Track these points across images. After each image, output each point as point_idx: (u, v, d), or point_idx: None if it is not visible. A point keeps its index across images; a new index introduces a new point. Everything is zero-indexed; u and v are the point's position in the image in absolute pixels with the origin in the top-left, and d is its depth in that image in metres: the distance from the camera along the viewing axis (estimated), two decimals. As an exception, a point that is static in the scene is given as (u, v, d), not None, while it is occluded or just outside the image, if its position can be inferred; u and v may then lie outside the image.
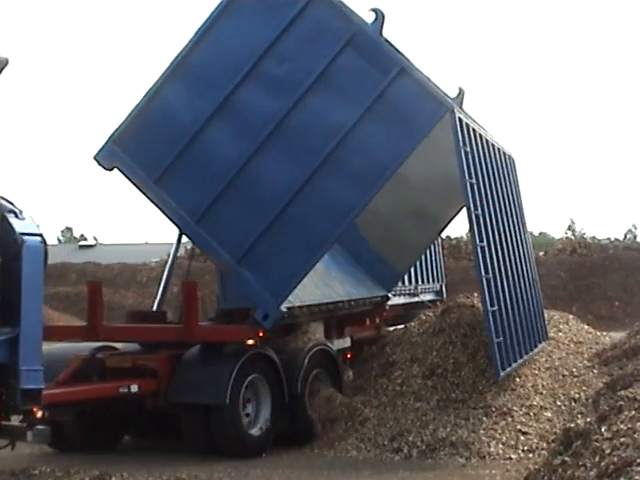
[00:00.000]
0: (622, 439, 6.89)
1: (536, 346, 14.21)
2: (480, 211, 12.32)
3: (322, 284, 13.71)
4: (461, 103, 14.25)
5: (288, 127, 11.64)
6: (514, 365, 12.65)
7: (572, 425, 8.05)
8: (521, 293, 13.99)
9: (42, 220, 10.25)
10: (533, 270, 15.54)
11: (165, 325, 12.80)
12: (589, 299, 33.33)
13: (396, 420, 11.76)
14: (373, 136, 11.44)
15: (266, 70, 11.81)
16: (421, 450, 11.16)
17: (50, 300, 28.38)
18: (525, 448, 11.12)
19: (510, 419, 11.75)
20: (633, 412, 7.51)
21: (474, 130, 12.88)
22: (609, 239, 46.09)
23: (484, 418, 11.75)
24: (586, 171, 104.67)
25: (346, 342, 14.23)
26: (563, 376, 13.44)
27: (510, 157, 15.53)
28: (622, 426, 7.21)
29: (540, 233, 64.76)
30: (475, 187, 12.21)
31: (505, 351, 12.27)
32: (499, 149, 14.59)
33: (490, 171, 13.43)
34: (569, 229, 44.85)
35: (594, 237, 44.23)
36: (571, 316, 17.09)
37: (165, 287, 13.75)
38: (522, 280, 14.32)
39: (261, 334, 11.65)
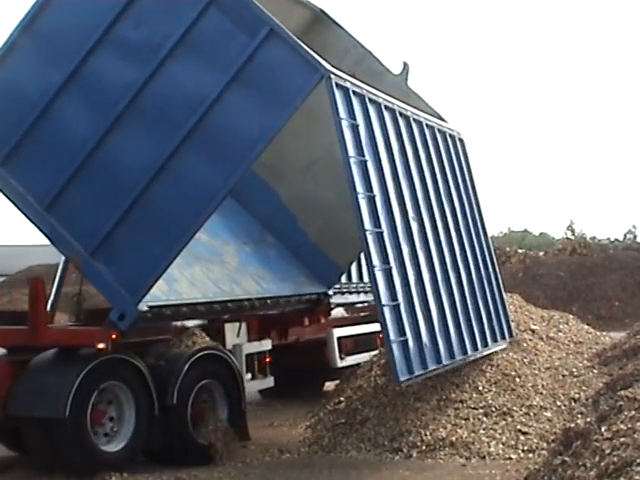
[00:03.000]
0: (622, 439, 6.90)
1: (486, 346, 13.23)
2: (379, 194, 11.11)
3: (226, 280, 12.58)
4: (406, 79, 13.91)
5: (146, 99, 10.38)
6: (432, 368, 11.52)
7: (572, 425, 8.05)
8: (448, 288, 12.57)
9: None
10: (485, 263, 14.26)
11: (6, 327, 11.13)
12: (589, 299, 33.32)
13: (396, 420, 11.76)
14: (240, 108, 10.22)
15: (121, 34, 10.53)
16: (421, 450, 11.15)
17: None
18: (525, 448, 11.10)
19: (510, 419, 11.75)
20: (633, 412, 7.51)
21: (374, 102, 11.65)
22: (609, 239, 46.23)
23: (484, 418, 11.76)
24: (586, 171, 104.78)
25: (264, 345, 13.08)
26: (563, 376, 13.43)
27: (454, 137, 14.37)
28: (622, 426, 7.21)
29: (540, 233, 64.88)
30: (366, 165, 10.89)
31: (413, 353, 11.01)
32: (429, 126, 13.30)
33: (400, 149, 12.13)
34: (569, 229, 44.83)
35: (594, 237, 44.36)
36: (571, 316, 17.08)
37: (59, 287, 12.06)
38: (454, 273, 12.91)
39: (114, 337, 10.29)
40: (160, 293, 10.86)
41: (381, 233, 10.84)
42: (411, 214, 11.95)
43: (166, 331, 11.57)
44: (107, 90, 10.47)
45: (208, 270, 12.28)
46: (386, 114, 11.89)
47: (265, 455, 11.53)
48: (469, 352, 12.62)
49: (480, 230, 14.46)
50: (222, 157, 10.20)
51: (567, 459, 7.27)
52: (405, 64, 13.89)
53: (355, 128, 10.82)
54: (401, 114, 12.42)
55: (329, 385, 14.85)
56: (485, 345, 13.22)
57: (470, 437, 11.30)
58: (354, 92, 10.98)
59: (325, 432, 12.02)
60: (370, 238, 10.58)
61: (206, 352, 11.30)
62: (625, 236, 54.87)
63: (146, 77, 10.32)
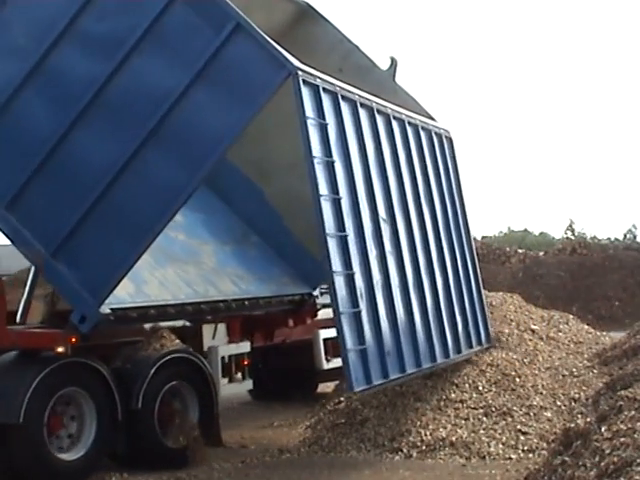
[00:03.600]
0: (622, 439, 6.90)
1: (459, 352, 12.89)
2: (347, 196, 10.72)
3: (201, 281, 12.33)
4: (394, 74, 13.68)
5: (109, 95, 10.05)
6: (393, 377, 11.09)
7: (572, 425, 8.04)
8: (420, 292, 12.19)
9: None
10: (465, 266, 13.91)
11: None
12: (589, 299, 33.28)
13: (396, 420, 11.76)
14: (205, 104, 9.92)
15: (84, 28, 10.19)
16: (421, 450, 11.16)
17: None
18: (525, 448, 11.11)
19: (510, 419, 11.75)
20: (633, 412, 7.50)
21: (348, 99, 11.26)
22: (609, 239, 46.12)
23: (484, 418, 11.76)
24: (586, 171, 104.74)
25: (242, 347, 12.70)
26: (563, 376, 13.42)
27: (441, 136, 13.98)
28: (622, 426, 7.21)
29: (540, 233, 64.80)
30: (333, 166, 10.49)
31: (373, 362, 10.57)
32: (411, 124, 12.90)
33: (376, 149, 11.78)
34: (569, 229, 44.81)
35: (594, 237, 44.24)
36: (571, 316, 17.07)
37: (31, 288, 11.55)
38: (428, 277, 12.52)
39: (74, 340, 10.02)
40: (126, 295, 10.62)
41: (345, 237, 10.47)
42: (383, 216, 11.61)
43: (137, 333, 11.27)
44: (69, 86, 10.19)
45: (182, 271, 12.03)
46: (362, 112, 11.55)
47: (265, 455, 11.53)
48: (438, 360, 12.25)
49: (462, 232, 14.14)
50: (186, 155, 9.96)
51: (567, 459, 7.27)
52: (393, 59, 13.64)
53: (323, 127, 10.45)
54: (379, 112, 12.05)
55: (329, 386, 14.80)
56: (458, 352, 12.89)
57: (470, 437, 11.31)
58: (325, 89, 10.61)
59: (325, 432, 12.03)
60: (331, 242, 10.18)
61: (174, 355, 11.05)
62: (625, 236, 54.84)
63: (110, 72, 10.04)
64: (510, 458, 10.86)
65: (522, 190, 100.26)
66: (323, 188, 10.22)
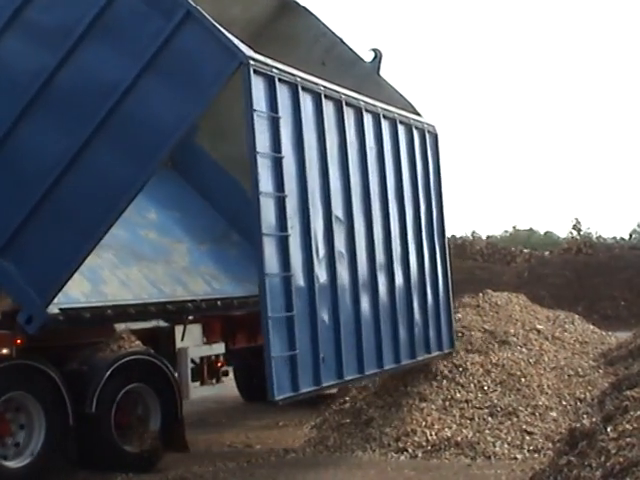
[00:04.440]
0: (628, 439, 6.90)
1: (413, 358, 12.46)
2: (296, 193, 10.28)
3: (169, 280, 11.93)
4: (378, 67, 13.40)
5: (56, 87, 9.62)
6: (326, 384, 10.65)
7: (578, 425, 8.04)
8: (373, 295, 11.70)
9: None
10: (433, 267, 13.39)
11: None
12: (595, 299, 33.25)
13: (401, 420, 11.76)
14: (155, 96, 9.49)
15: (30, 18, 9.77)
16: (426, 450, 11.16)
17: None
18: (530, 448, 11.11)
19: (515, 419, 11.74)
20: (639, 412, 7.50)
21: (311, 91, 10.78)
22: (615, 238, 46.03)
23: (489, 418, 11.76)
24: (591, 170, 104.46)
25: (215, 349, 12.28)
26: (569, 376, 13.41)
27: (423, 131, 13.42)
28: (628, 426, 7.20)
29: (546, 232, 64.69)
30: (280, 162, 9.95)
31: (303, 368, 10.06)
32: (387, 117, 12.42)
33: (340, 144, 11.28)
34: (574, 228, 44.72)
35: (600, 236, 44.18)
36: (577, 316, 17.05)
37: None
38: (385, 279, 12.04)
39: (19, 341, 9.59)
40: (80, 295, 10.30)
41: (286, 237, 9.99)
42: (338, 215, 11.13)
43: (97, 334, 10.83)
44: (16, 78, 9.79)
45: (149, 270, 11.68)
46: (327, 105, 11.05)
47: (270, 455, 11.54)
48: (385, 366, 11.83)
49: (435, 232, 13.60)
50: (135, 149, 9.55)
51: (573, 459, 7.26)
52: (377, 52, 13.32)
53: (274, 121, 9.94)
54: (349, 104, 11.55)
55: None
56: (412, 357, 12.47)
57: (475, 437, 11.31)
58: (282, 80, 10.16)
59: (330, 432, 12.04)
60: (268, 242, 9.69)
61: (133, 357, 10.66)
62: (631, 235, 54.73)
63: (56, 64, 9.60)
64: (515, 458, 10.86)
65: (527, 189, 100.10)
66: (265, 185, 9.73)
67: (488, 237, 46.17)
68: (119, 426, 10.57)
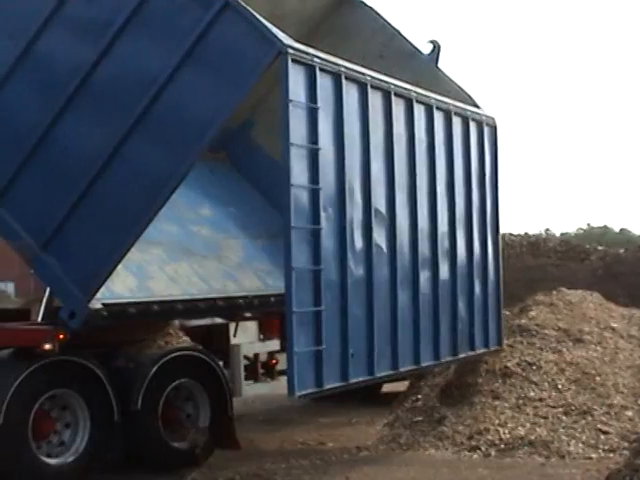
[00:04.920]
0: None
1: (455, 355, 12.25)
2: (333, 186, 10.08)
3: (220, 276, 11.76)
4: (436, 60, 13.22)
5: (96, 81, 9.59)
6: (355, 380, 10.38)
7: (654, 424, 7.96)
8: (413, 290, 11.43)
9: None
10: (483, 263, 13.06)
11: None
12: (672, 297, 32.73)
13: (474, 418, 11.71)
14: (193, 88, 9.41)
15: (72, 11, 9.75)
16: (499, 449, 11.10)
17: None
18: (606, 447, 10.99)
19: (590, 418, 11.63)
20: None
21: (357, 81, 10.56)
22: (693, 235, 45.26)
23: (563, 417, 11.66)
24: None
25: (269, 346, 12.05)
26: (644, 375, 13.26)
27: (481, 123, 13.13)
28: None
29: (621, 230, 63.94)
30: (317, 154, 9.77)
31: (329, 363, 9.86)
32: (441, 109, 12.16)
33: (386, 135, 11.03)
34: (651, 225, 44.09)
35: (678, 233, 43.45)
36: (652, 314, 16.83)
37: None
38: (428, 273, 11.75)
39: (61, 337, 9.44)
40: (125, 290, 10.25)
41: (317, 230, 9.78)
42: (380, 208, 10.88)
43: (146, 330, 10.80)
44: (57, 72, 9.76)
45: (199, 266, 11.56)
46: (374, 95, 10.83)
47: (343, 452, 11.55)
48: (422, 362, 11.62)
49: (489, 227, 13.27)
50: (174, 141, 9.44)
51: (649, 459, 7.20)
52: (435, 44, 13.15)
53: (313, 111, 9.74)
54: (398, 95, 11.28)
55: (398, 385, 14.72)
56: (454, 354, 12.26)
57: (549, 436, 11.22)
58: (324, 70, 9.91)
59: (403, 430, 12.03)
60: (296, 234, 9.46)
61: (179, 353, 10.59)
62: None
63: (96, 57, 9.57)
64: (590, 457, 10.75)
65: (602, 186, 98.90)
66: (298, 177, 9.55)
67: (562, 234, 45.64)
68: (167, 423, 10.50)
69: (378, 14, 13.46)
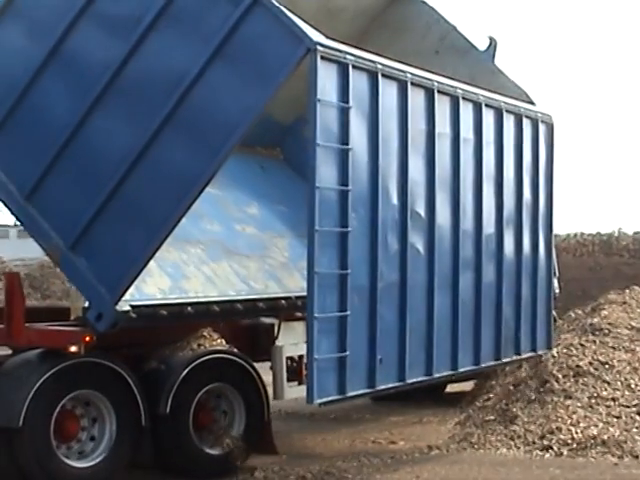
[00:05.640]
0: None
1: (498, 359, 11.94)
2: (367, 187, 9.80)
3: (262, 276, 11.51)
4: (493, 55, 12.99)
5: (125, 78, 9.42)
6: (382, 387, 10.05)
7: None
8: (451, 294, 11.10)
9: None
10: (534, 266, 12.73)
11: None
12: None
13: (546, 417, 11.64)
14: (222, 86, 9.16)
15: (101, 9, 9.62)
16: (572, 448, 11.02)
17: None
18: (680, 448, 10.88)
19: (665, 418, 11.53)
20: None
21: (395, 79, 10.24)
22: None
23: (637, 416, 11.52)
24: None
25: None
26: None
27: (536, 121, 12.74)
28: None
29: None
30: (347, 154, 9.47)
31: (352, 370, 9.54)
32: (490, 106, 11.82)
33: (428, 134, 10.75)
34: None
35: None
36: None
37: None
38: (467, 277, 11.39)
39: (88, 339, 9.22)
40: (156, 291, 10.04)
41: (345, 233, 9.48)
42: (417, 209, 10.58)
43: (178, 332, 10.45)
44: (87, 71, 9.61)
45: (239, 266, 11.29)
46: (415, 93, 10.52)
47: (414, 451, 11.53)
48: (460, 367, 11.28)
49: (541, 227, 12.89)
50: (203, 140, 9.18)
51: None
52: (492, 40, 12.97)
53: (344, 111, 9.46)
54: (442, 92, 10.96)
55: (464, 385, 14.67)
56: (496, 358, 11.97)
57: (622, 436, 11.11)
58: (357, 67, 9.62)
59: (474, 429, 11.99)
60: (320, 237, 9.15)
61: (212, 356, 10.22)
62: None
63: (125, 54, 9.39)
64: (664, 458, 10.65)
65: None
66: (325, 178, 9.26)
67: (635, 233, 45.04)
68: (199, 428, 10.19)
69: (433, 9, 13.34)
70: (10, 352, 9.76)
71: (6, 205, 10.03)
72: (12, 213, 10.08)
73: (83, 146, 9.55)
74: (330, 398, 9.45)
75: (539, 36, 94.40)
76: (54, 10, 9.76)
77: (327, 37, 9.21)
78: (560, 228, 28.08)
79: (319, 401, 9.33)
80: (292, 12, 9.12)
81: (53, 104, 9.74)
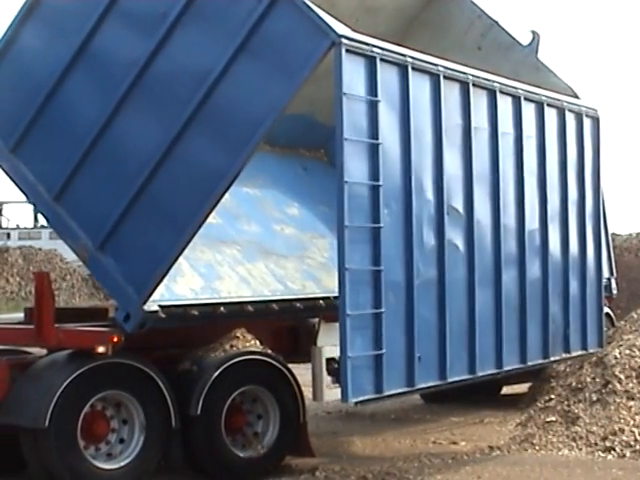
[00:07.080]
0: None
1: (546, 357, 11.84)
2: (399, 182, 9.67)
3: (300, 276, 11.39)
4: (536, 50, 12.84)
5: (151, 75, 9.39)
6: (422, 386, 9.97)
7: None
8: (494, 291, 10.99)
9: None
10: (582, 264, 12.60)
11: (11, 326, 10.39)
12: None
13: (608, 419, 11.54)
14: (246, 81, 9.08)
15: (126, 6, 9.62)
16: (635, 450, 10.88)
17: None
18: None
19: None
20: None
21: (427, 72, 10.14)
22: None
23: (700, 418, 11.47)
24: None
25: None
26: None
27: (581, 115, 12.59)
28: None
29: None
30: (377, 149, 9.31)
31: (390, 368, 9.40)
32: (531, 100, 11.65)
33: (464, 129, 10.62)
34: None
35: None
36: None
37: None
38: (511, 274, 11.27)
39: (115, 339, 9.13)
40: (187, 291, 10.00)
41: (377, 229, 9.30)
42: (454, 205, 10.42)
43: (211, 333, 10.28)
44: (113, 69, 9.59)
45: (276, 266, 11.21)
46: (449, 87, 10.39)
47: (475, 452, 11.50)
48: (505, 366, 11.16)
49: (588, 222, 12.72)
50: (227, 137, 9.10)
51: None
52: (534, 34, 12.85)
53: (372, 105, 9.29)
54: (478, 86, 10.79)
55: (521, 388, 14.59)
56: (544, 357, 11.86)
57: (686, 437, 11.04)
58: (386, 60, 9.46)
59: (536, 430, 11.91)
60: (351, 234, 8.96)
61: (245, 358, 10.00)
62: None
63: (151, 51, 9.35)
64: None
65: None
66: (355, 173, 9.09)
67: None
68: (232, 430, 10.05)
69: (474, 4, 13.28)
70: (44, 353, 9.77)
71: (35, 205, 10.16)
72: (41, 213, 10.18)
73: (110, 145, 9.56)
74: (366, 397, 9.30)
75: (586, 28, 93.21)
76: (79, 10, 9.81)
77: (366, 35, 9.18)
78: (621, 227, 27.92)
79: (354, 400, 9.18)
80: (330, 11, 9.08)
81: (80, 104, 9.78)
